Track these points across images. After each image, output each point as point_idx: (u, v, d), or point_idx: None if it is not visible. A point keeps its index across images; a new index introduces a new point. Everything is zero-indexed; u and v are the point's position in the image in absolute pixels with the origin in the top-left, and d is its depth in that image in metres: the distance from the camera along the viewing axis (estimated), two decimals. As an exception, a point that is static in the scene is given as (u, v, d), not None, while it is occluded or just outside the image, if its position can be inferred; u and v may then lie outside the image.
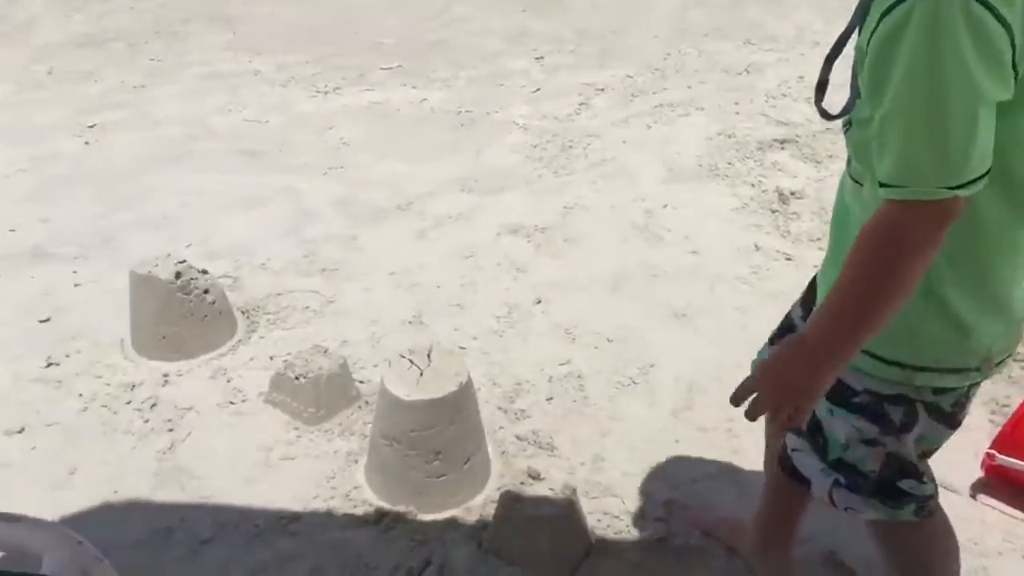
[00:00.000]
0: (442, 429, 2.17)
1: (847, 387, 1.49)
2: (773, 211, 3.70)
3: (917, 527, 1.63)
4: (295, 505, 2.29)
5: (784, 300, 3.06)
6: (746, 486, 2.31)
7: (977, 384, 1.49)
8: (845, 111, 1.39)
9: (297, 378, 2.55)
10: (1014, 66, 1.15)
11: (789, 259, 3.34)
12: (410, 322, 3.03)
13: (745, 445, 2.45)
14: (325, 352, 2.64)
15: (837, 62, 1.40)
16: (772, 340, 1.85)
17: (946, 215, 1.19)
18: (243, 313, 3.05)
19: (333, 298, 3.16)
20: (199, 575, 2.09)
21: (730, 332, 2.95)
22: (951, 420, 1.52)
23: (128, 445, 2.50)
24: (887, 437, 1.50)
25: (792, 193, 3.80)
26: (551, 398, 2.66)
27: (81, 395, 2.68)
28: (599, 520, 2.22)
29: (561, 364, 2.80)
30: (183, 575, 2.09)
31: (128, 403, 2.64)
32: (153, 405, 2.63)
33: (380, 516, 2.23)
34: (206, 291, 2.83)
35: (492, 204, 3.81)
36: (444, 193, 3.92)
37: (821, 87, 1.45)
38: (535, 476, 2.31)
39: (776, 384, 1.37)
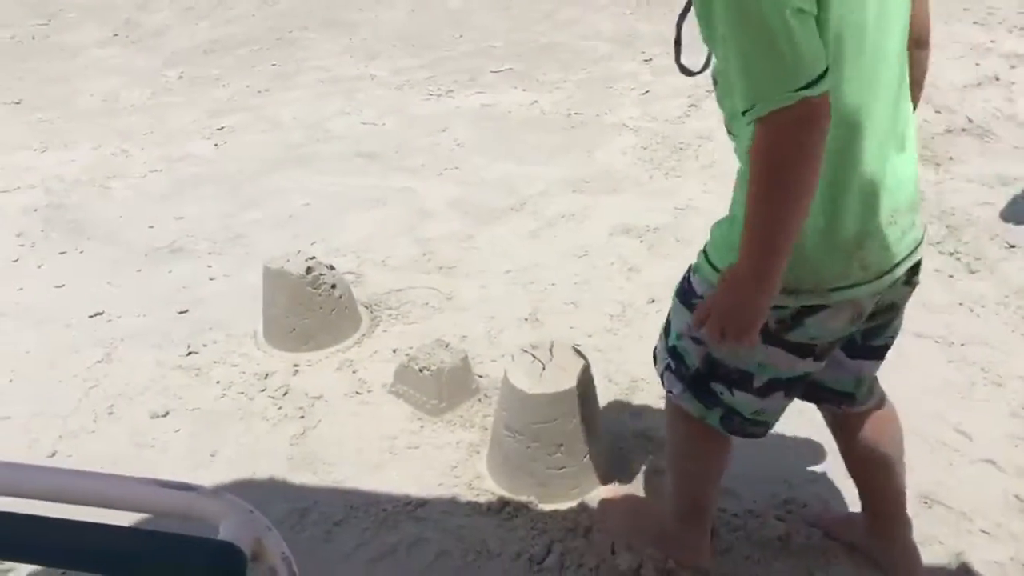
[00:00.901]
0: (564, 422, 2.24)
1: (691, 289, 1.68)
2: (891, 214, 3.64)
3: (710, 433, 1.80)
4: (421, 492, 2.39)
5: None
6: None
7: (813, 311, 1.55)
8: (705, 67, 1.59)
9: (420, 370, 2.66)
10: None
11: (908, 262, 3.29)
12: (526, 319, 3.11)
13: (865, 447, 2.45)
14: (447, 346, 2.74)
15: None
16: None
17: (805, 118, 1.26)
18: (366, 308, 3.19)
19: (451, 295, 3.27)
20: (333, 555, 2.21)
21: (847, 335, 2.93)
22: (771, 337, 1.59)
23: (263, 430, 2.65)
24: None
25: (910, 195, 3.73)
26: (666, 396, 2.70)
27: (219, 382, 2.85)
28: (719, 518, 2.24)
29: (676, 363, 2.83)
30: (318, 554, 2.21)
31: (262, 391, 2.79)
32: (285, 393, 2.78)
33: (502, 505, 2.31)
34: (333, 286, 2.97)
35: (604, 205, 3.86)
36: (556, 194, 3.99)
37: (677, 44, 1.60)
38: (653, 472, 2.35)
39: (719, 317, 1.50)
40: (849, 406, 1.87)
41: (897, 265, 1.56)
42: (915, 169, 1.57)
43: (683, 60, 1.60)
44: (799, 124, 1.27)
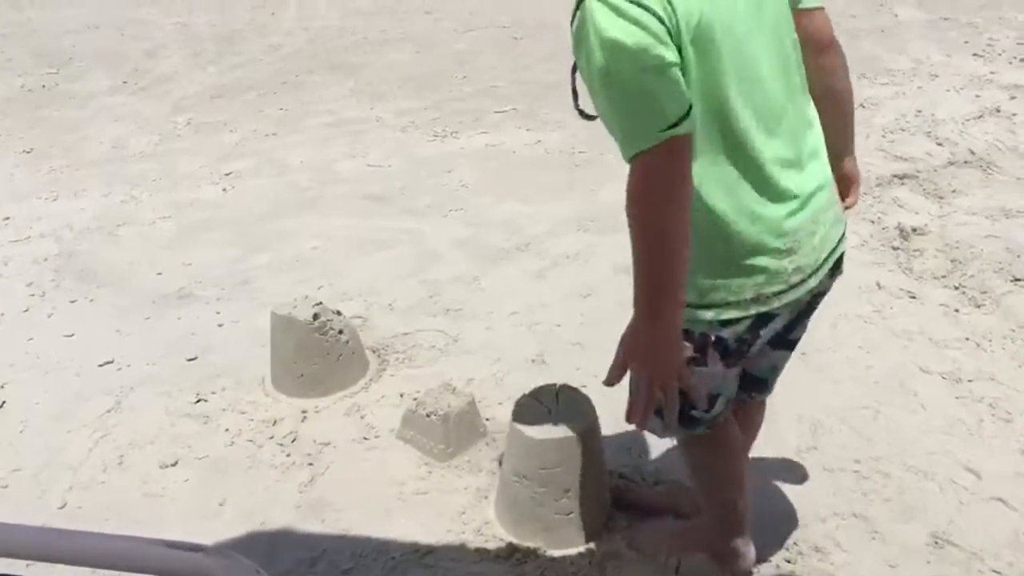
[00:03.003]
0: (571, 467, 2.24)
1: None
2: (895, 248, 3.66)
3: (708, 436, 1.90)
4: (429, 538, 2.39)
5: (909, 338, 3.04)
6: (878, 526, 2.30)
7: (764, 322, 1.67)
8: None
9: (428, 415, 2.66)
10: (678, 35, 1.41)
11: (913, 297, 3.29)
12: (533, 360, 3.12)
13: (875, 486, 2.44)
14: (453, 390, 2.75)
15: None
16: None
17: (670, 153, 1.42)
18: (373, 352, 3.20)
19: (457, 337, 3.28)
20: (342, 603, 2.21)
21: (854, 372, 2.93)
22: (734, 359, 1.73)
23: (272, 478, 2.65)
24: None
25: (914, 230, 3.75)
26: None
27: (227, 430, 2.86)
28: (726, 560, 2.24)
29: (683, 403, 2.83)
30: (327, 603, 2.21)
31: (271, 438, 2.80)
32: (293, 440, 2.79)
33: (511, 551, 2.31)
34: (340, 331, 2.99)
35: (609, 243, 3.88)
36: (561, 233, 4.01)
37: (574, 93, 1.68)
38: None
39: (646, 368, 1.59)
40: (759, 393, 2.03)
41: (825, 260, 1.69)
42: (827, 172, 1.72)
43: (581, 106, 1.71)
44: (666, 158, 1.42)
